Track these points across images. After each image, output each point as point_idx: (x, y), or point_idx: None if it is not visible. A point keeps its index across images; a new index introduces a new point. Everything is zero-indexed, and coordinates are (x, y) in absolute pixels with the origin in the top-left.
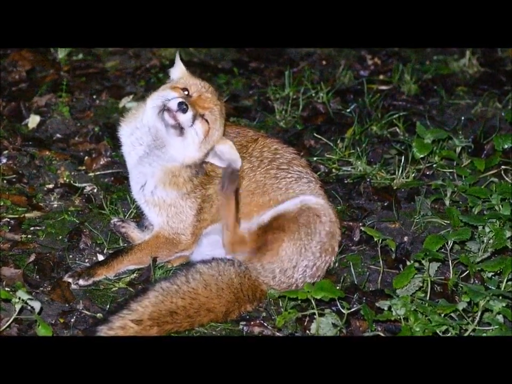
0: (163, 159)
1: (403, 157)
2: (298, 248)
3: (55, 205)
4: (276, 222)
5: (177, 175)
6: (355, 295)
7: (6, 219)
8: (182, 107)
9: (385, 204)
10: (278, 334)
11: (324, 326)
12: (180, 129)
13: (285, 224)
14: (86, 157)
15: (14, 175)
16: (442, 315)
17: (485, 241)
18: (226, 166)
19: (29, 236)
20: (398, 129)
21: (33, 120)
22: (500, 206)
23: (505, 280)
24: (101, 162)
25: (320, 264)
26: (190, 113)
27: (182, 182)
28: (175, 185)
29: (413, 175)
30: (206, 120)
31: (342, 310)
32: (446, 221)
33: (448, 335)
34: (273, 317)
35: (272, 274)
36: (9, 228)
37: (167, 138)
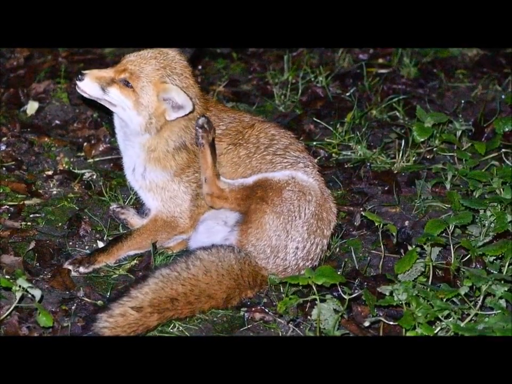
0: (131, 134)
1: (403, 141)
2: (282, 224)
3: (55, 192)
4: (260, 189)
5: (153, 149)
6: (356, 280)
7: (6, 206)
8: (78, 76)
9: (386, 188)
10: (279, 320)
11: (325, 311)
12: (103, 100)
13: (269, 195)
14: (85, 143)
15: (13, 162)
16: (444, 300)
17: (486, 225)
18: (198, 118)
19: (29, 223)
20: (397, 113)
21: (31, 107)
22: (501, 190)
23: (507, 264)
24: (100, 149)
25: (310, 246)
26: (87, 80)
27: (162, 157)
28: (157, 162)
29: (413, 159)
30: (126, 82)
31: (343, 296)
32: (447, 205)
33: (450, 319)
34: (274, 303)
35: (264, 254)
36: (9, 215)
37: (116, 115)
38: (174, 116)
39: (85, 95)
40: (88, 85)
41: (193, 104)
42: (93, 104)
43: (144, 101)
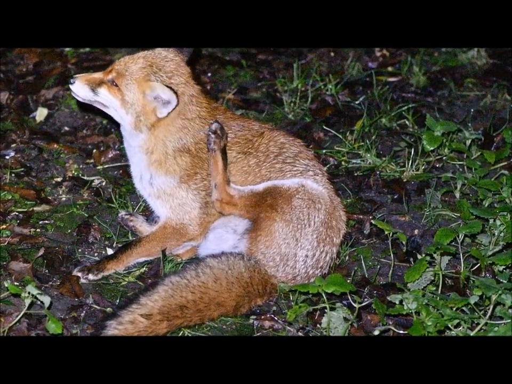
0: (127, 135)
1: (413, 150)
2: (292, 232)
3: (64, 199)
4: (270, 196)
5: (152, 151)
6: (366, 289)
7: (15, 213)
8: (70, 80)
9: (395, 197)
10: (288, 328)
11: (335, 320)
12: (96, 102)
13: (279, 203)
14: (94, 150)
15: (22, 169)
16: (454, 309)
17: (496, 234)
18: (211, 123)
19: (38, 230)
20: (407, 122)
21: (41, 113)
22: (511, 199)
23: None
24: (109, 155)
25: (319, 254)
26: (78, 83)
27: (163, 159)
28: (159, 166)
29: (423, 167)
30: (113, 82)
31: (353, 304)
32: (456, 214)
33: (460, 329)
34: (283, 311)
35: (273, 262)
36: (18, 221)
37: (112, 117)
38: (165, 111)
39: (78, 98)
40: (79, 88)
41: (177, 98)
42: (92, 110)
43: (129, 98)
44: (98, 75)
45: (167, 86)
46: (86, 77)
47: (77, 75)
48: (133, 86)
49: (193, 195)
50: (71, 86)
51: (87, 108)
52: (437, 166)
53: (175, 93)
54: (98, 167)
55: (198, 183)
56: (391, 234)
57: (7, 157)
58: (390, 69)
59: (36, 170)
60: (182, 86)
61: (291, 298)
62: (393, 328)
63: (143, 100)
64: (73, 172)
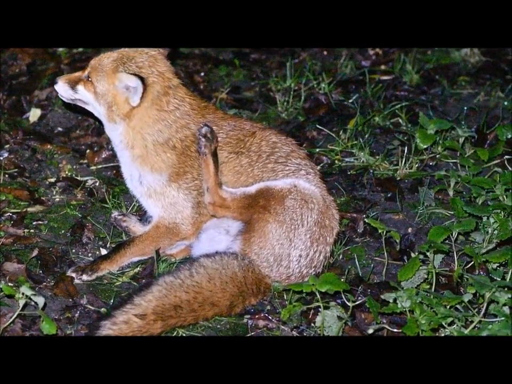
0: (108, 131)
1: (406, 148)
2: (285, 232)
3: (57, 199)
4: (262, 198)
5: (132, 146)
6: (360, 288)
7: (8, 213)
8: (55, 81)
9: (389, 195)
10: (282, 327)
11: (329, 318)
12: (78, 100)
13: (271, 204)
14: (88, 150)
15: (16, 169)
16: (448, 307)
17: (490, 232)
18: (200, 127)
19: (32, 231)
20: (400, 120)
21: (34, 114)
22: (504, 196)
23: (510, 271)
24: (103, 156)
25: (313, 254)
26: (60, 83)
27: (145, 154)
28: (143, 161)
29: (416, 165)
30: (88, 78)
31: (347, 303)
32: (450, 212)
33: (454, 327)
34: (278, 310)
35: (267, 263)
36: (12, 222)
37: (94, 114)
38: (136, 98)
39: (63, 98)
40: (61, 88)
41: (144, 84)
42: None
43: (99, 90)
44: (78, 73)
45: (133, 74)
46: (67, 76)
47: (60, 76)
48: (103, 77)
49: (185, 194)
50: (55, 86)
51: (73, 109)
52: (430, 164)
53: (141, 79)
54: (92, 168)
55: (189, 182)
56: (384, 233)
57: (0, 158)
58: (383, 67)
59: (30, 171)
60: (154, 76)
61: (285, 297)
62: (387, 326)
63: (113, 90)
64: (66, 172)
